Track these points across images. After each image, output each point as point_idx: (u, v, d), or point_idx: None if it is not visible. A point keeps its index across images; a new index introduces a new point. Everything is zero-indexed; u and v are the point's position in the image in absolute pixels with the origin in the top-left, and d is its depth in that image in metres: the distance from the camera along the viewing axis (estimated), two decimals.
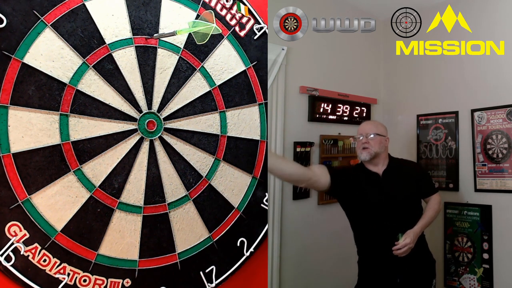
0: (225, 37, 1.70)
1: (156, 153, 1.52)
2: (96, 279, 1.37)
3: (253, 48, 1.78)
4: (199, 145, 1.62)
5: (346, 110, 2.65)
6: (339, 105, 2.60)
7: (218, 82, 1.68)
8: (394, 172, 1.81)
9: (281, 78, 2.25)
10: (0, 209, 1.22)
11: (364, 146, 1.78)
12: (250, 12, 1.77)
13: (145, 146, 1.49)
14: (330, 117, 2.55)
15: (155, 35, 1.51)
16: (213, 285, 1.60)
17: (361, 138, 1.80)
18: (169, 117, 1.55)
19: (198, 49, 1.62)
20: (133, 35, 1.48)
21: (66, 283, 1.31)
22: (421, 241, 1.78)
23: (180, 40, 1.58)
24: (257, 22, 1.79)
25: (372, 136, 1.78)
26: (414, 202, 1.81)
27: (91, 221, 1.37)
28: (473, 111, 2.43)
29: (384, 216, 1.72)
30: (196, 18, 1.58)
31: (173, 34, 1.48)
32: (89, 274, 1.36)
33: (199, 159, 1.62)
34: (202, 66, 1.64)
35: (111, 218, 1.41)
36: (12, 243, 1.23)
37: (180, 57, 1.58)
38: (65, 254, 1.32)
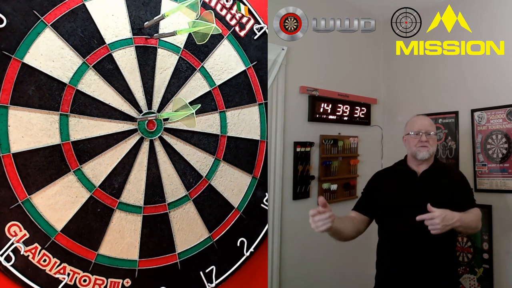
0: (225, 37, 1.70)
1: (156, 153, 1.52)
2: (96, 279, 1.37)
3: (253, 48, 1.78)
4: (199, 145, 1.62)
5: (346, 110, 2.65)
6: (339, 105, 2.60)
7: (218, 82, 1.67)
8: (434, 174, 1.66)
9: (281, 78, 2.25)
10: (0, 209, 1.22)
11: (424, 144, 1.64)
12: (250, 12, 1.77)
13: (145, 146, 1.49)
14: (330, 117, 2.55)
15: (155, 35, 1.51)
16: (213, 285, 1.60)
17: (421, 134, 1.65)
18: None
19: (198, 49, 1.62)
20: (133, 35, 1.48)
21: (66, 283, 1.31)
22: (450, 262, 1.63)
23: (180, 40, 1.58)
24: (257, 22, 1.79)
25: (432, 134, 1.67)
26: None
27: (91, 221, 1.37)
28: (473, 111, 2.43)
29: (413, 218, 1.45)
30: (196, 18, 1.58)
31: (173, 34, 1.48)
32: (89, 274, 1.36)
33: (199, 159, 1.62)
34: (202, 66, 1.64)
35: (111, 218, 1.41)
36: (12, 243, 1.23)
37: (180, 57, 1.58)
38: (65, 254, 1.32)
